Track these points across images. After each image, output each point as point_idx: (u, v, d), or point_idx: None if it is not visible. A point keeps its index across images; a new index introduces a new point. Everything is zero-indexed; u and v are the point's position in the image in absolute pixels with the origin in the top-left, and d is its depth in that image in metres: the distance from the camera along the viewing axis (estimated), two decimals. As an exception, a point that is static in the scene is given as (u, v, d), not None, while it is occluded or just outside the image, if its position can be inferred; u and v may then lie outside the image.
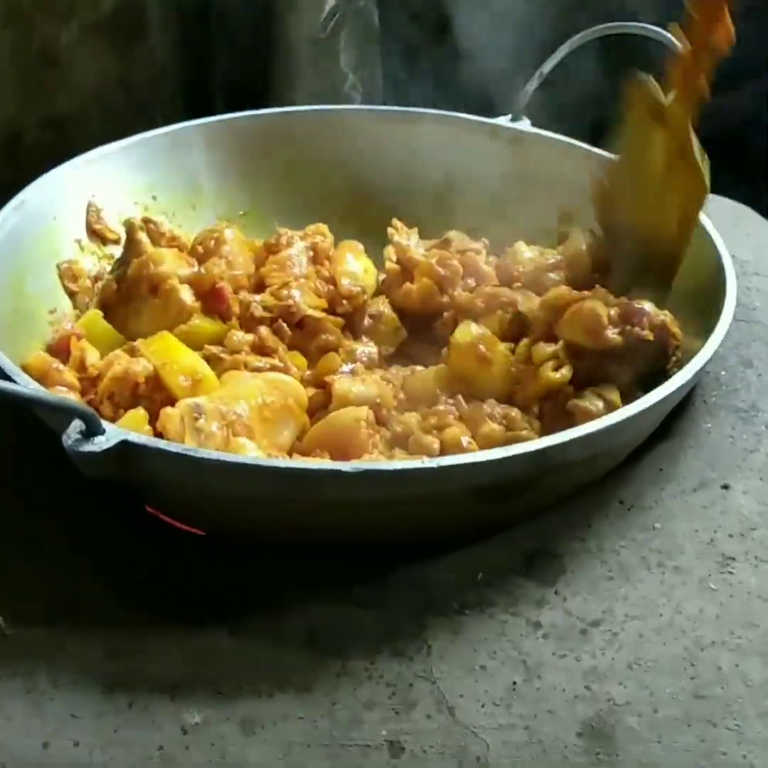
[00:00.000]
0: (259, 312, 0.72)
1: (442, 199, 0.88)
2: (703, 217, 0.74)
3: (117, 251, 0.79)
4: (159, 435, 0.60)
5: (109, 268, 0.78)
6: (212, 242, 0.77)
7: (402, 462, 0.56)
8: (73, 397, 0.65)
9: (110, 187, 0.80)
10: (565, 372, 0.65)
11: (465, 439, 0.63)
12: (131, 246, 0.75)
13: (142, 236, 0.75)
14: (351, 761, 0.50)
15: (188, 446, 0.56)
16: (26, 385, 0.57)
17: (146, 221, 0.79)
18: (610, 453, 0.61)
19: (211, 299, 0.73)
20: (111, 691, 0.53)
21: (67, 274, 0.75)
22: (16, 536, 0.61)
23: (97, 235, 0.79)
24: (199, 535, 0.61)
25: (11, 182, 0.77)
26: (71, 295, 0.76)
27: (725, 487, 0.63)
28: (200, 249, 0.76)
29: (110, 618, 0.56)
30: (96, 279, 0.77)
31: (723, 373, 0.71)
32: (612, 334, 0.64)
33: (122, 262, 0.75)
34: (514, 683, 0.53)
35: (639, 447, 0.64)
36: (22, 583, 0.58)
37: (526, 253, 0.80)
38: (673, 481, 0.63)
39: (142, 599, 0.57)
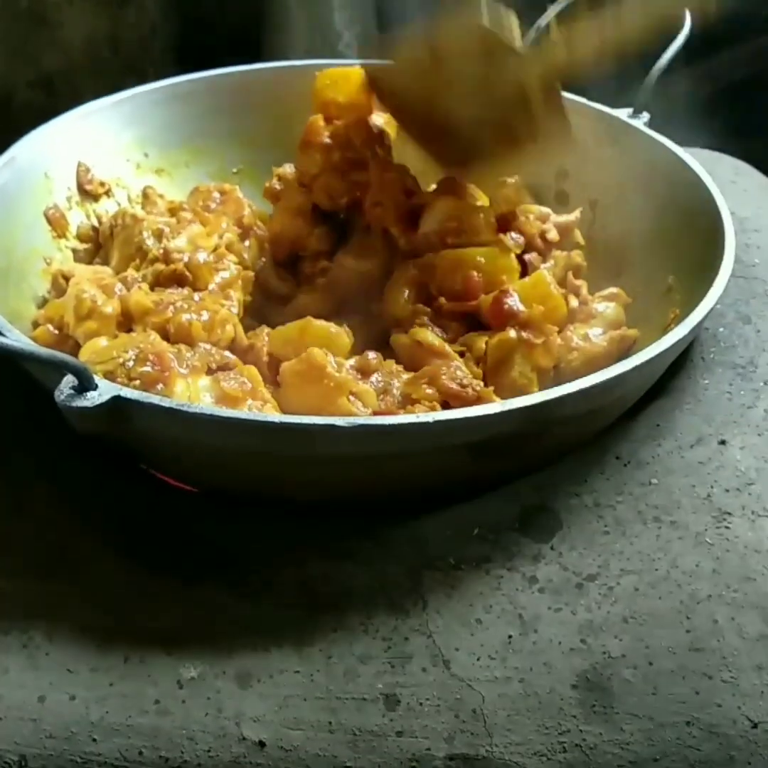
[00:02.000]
0: None
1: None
2: (703, 173, 0.73)
3: (108, 208, 0.78)
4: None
5: (98, 224, 0.78)
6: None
7: (397, 417, 0.55)
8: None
9: (101, 143, 0.79)
10: None
11: None
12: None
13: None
14: (347, 714, 0.50)
15: (181, 402, 0.55)
16: (18, 340, 0.56)
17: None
18: (607, 408, 0.61)
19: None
20: (106, 646, 0.53)
21: (55, 220, 0.74)
22: (10, 493, 0.61)
23: (87, 193, 0.78)
24: (193, 492, 0.61)
25: (1, 142, 0.76)
26: (59, 236, 0.75)
27: (722, 442, 0.63)
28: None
29: (106, 573, 0.56)
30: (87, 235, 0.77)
31: (721, 329, 0.71)
32: None
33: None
34: (510, 637, 0.53)
35: (636, 403, 0.64)
36: (17, 539, 0.58)
37: None
38: (670, 437, 0.63)
39: (137, 555, 0.57)
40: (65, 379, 0.53)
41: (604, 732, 0.50)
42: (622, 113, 0.81)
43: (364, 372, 0.62)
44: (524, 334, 0.65)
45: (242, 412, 0.57)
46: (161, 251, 0.67)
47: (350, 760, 0.49)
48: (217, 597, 0.55)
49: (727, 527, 0.57)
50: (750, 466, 0.61)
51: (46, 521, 0.59)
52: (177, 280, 0.67)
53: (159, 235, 0.69)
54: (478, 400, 0.61)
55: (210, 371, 0.63)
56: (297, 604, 0.54)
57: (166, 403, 0.53)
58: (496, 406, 0.54)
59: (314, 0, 1.26)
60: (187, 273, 0.67)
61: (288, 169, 0.79)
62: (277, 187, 0.78)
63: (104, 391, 0.53)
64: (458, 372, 0.62)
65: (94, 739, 0.50)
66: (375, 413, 0.60)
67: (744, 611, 0.53)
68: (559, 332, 0.69)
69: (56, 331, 0.66)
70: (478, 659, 0.52)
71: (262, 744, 0.49)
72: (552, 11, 0.83)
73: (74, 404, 0.52)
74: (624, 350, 0.68)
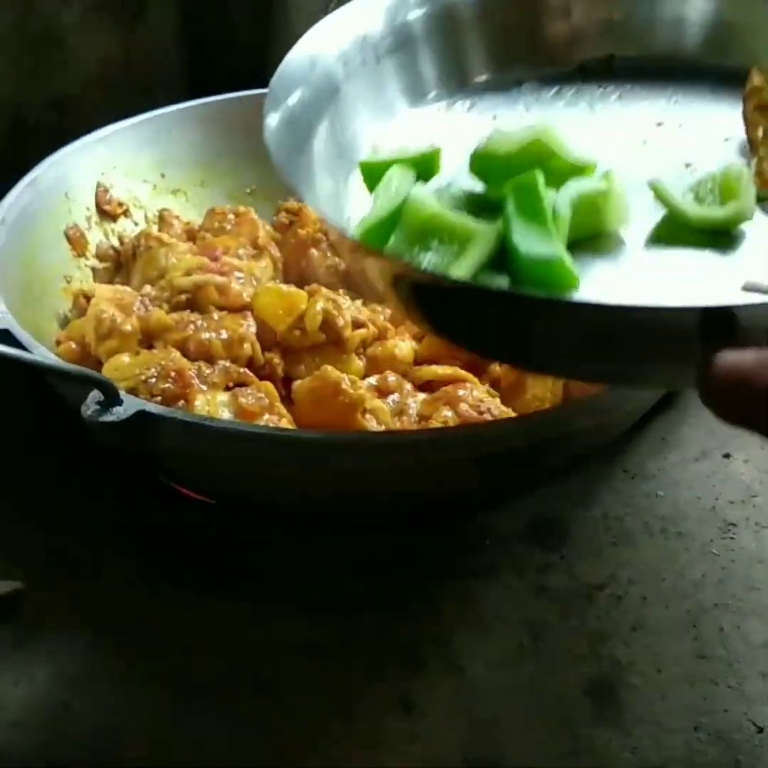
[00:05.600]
0: None
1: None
2: None
3: (126, 227, 0.80)
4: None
5: (117, 244, 0.80)
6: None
7: (413, 432, 0.57)
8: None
9: (120, 164, 0.81)
10: None
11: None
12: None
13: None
14: (363, 721, 0.51)
15: (205, 416, 0.57)
16: (46, 357, 0.58)
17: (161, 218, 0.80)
18: (613, 422, 0.63)
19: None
20: (127, 654, 0.54)
21: (76, 240, 0.76)
22: (33, 503, 0.62)
23: (106, 213, 0.80)
24: (210, 503, 0.63)
25: (13, 163, 0.78)
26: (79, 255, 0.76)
27: (726, 456, 0.64)
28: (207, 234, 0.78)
29: (128, 582, 0.57)
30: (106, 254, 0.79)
31: (724, 346, 0.72)
32: None
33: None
34: (521, 645, 0.54)
35: (642, 418, 0.66)
36: (40, 548, 0.59)
37: None
38: (676, 450, 0.65)
39: (157, 565, 0.58)
40: (91, 394, 0.55)
41: (613, 737, 0.51)
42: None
43: (383, 391, 0.64)
44: None
45: (263, 427, 0.59)
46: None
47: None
48: (235, 606, 0.56)
49: (732, 538, 0.59)
50: (754, 479, 0.63)
51: (64, 531, 0.61)
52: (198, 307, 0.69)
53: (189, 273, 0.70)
54: None
55: (228, 387, 0.65)
56: (312, 612, 0.56)
57: (189, 417, 0.55)
58: (505, 421, 0.56)
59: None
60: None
61: (294, 202, 0.81)
62: (285, 220, 0.80)
63: (129, 406, 0.55)
64: (474, 393, 0.63)
65: (118, 746, 0.51)
66: (390, 431, 0.62)
67: (749, 620, 0.55)
68: None
69: (78, 348, 0.68)
70: (490, 667, 0.53)
71: (281, 751, 0.51)
72: None
73: (101, 419, 0.54)
74: None
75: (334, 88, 0.56)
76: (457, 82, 0.61)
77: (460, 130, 0.57)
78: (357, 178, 0.54)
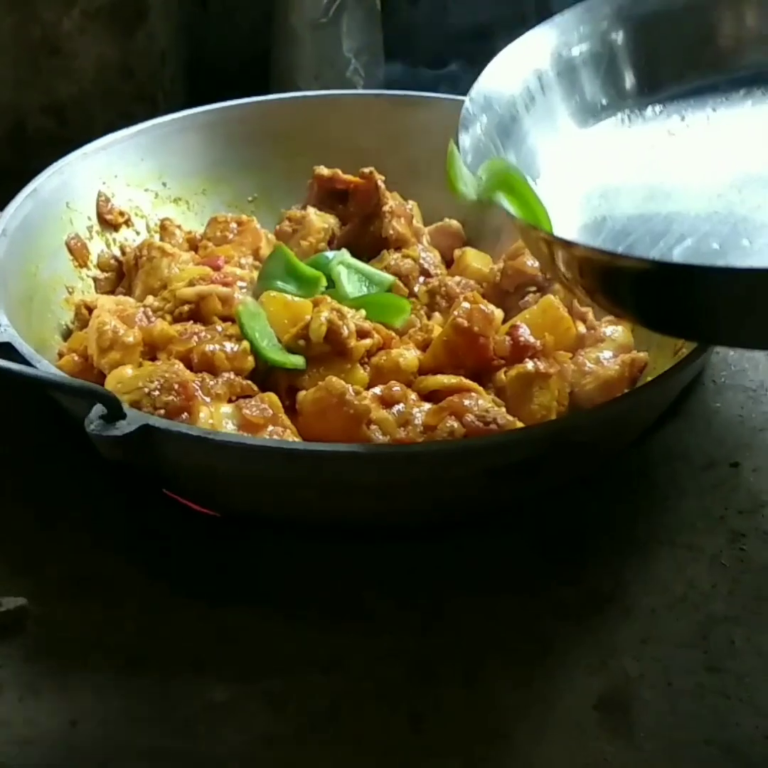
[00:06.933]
0: None
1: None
2: None
3: (128, 237, 0.80)
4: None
5: (119, 254, 0.79)
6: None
7: (419, 444, 0.57)
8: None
9: (120, 173, 0.81)
10: None
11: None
12: None
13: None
14: (373, 734, 0.51)
15: (209, 430, 0.56)
16: (48, 371, 0.58)
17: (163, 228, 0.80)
18: (621, 433, 0.62)
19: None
20: (136, 669, 0.54)
21: (77, 250, 0.76)
22: (37, 518, 0.62)
23: (107, 223, 0.80)
24: (215, 516, 0.62)
25: (15, 168, 0.78)
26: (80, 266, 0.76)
27: (734, 465, 0.64)
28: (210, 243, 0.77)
29: (133, 596, 0.57)
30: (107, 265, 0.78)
31: (731, 353, 0.72)
32: None
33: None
34: (532, 658, 0.54)
35: (650, 427, 0.65)
36: (45, 563, 0.59)
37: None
38: (684, 460, 0.65)
39: (164, 578, 0.58)
40: (95, 408, 0.54)
41: (624, 751, 0.51)
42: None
43: (387, 401, 0.63)
44: (540, 366, 0.66)
45: (268, 440, 0.58)
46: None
47: (377, 780, 0.50)
48: (242, 619, 0.56)
49: (741, 548, 0.59)
50: (762, 489, 0.62)
51: (73, 546, 0.60)
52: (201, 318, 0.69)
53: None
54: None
55: (231, 399, 0.64)
56: (323, 625, 0.56)
57: (194, 431, 0.55)
58: (518, 432, 0.56)
59: (322, 27, 1.27)
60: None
61: (297, 210, 0.81)
62: (288, 228, 0.80)
63: (133, 420, 0.54)
64: (480, 402, 0.62)
65: (126, 763, 0.51)
66: (395, 441, 0.62)
67: (760, 631, 0.55)
68: (571, 357, 0.70)
69: (81, 360, 0.67)
70: (501, 680, 0.53)
71: (291, 765, 0.50)
72: None
73: (104, 433, 0.54)
74: (635, 374, 0.70)
75: (513, 115, 0.63)
76: (648, 91, 0.66)
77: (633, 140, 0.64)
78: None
